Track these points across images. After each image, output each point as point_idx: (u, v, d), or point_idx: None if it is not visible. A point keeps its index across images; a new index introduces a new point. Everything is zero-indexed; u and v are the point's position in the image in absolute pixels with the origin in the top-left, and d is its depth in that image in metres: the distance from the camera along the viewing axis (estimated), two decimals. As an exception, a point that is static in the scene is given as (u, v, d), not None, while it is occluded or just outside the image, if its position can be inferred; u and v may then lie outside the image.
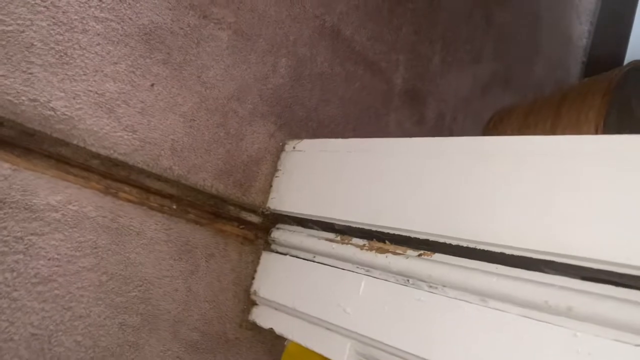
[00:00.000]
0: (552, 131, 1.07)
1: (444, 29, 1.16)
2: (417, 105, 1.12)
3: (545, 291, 0.52)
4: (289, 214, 0.86)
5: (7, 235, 0.66)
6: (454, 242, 0.60)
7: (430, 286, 0.63)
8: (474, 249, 0.58)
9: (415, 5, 1.09)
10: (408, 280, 0.65)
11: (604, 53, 1.51)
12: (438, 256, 0.64)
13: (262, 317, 0.85)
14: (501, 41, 1.31)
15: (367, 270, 0.71)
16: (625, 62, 1.50)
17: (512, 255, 0.55)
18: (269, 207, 0.89)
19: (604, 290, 0.49)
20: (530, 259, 0.53)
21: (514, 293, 0.54)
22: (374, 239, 0.73)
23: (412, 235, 0.66)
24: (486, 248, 0.57)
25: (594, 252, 0.48)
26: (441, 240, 0.62)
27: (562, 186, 0.52)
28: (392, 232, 0.68)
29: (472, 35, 1.24)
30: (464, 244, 0.59)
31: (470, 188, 0.59)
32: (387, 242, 0.71)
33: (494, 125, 1.21)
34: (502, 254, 0.56)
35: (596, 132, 0.98)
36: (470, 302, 0.58)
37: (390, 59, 1.06)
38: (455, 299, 0.59)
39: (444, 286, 0.61)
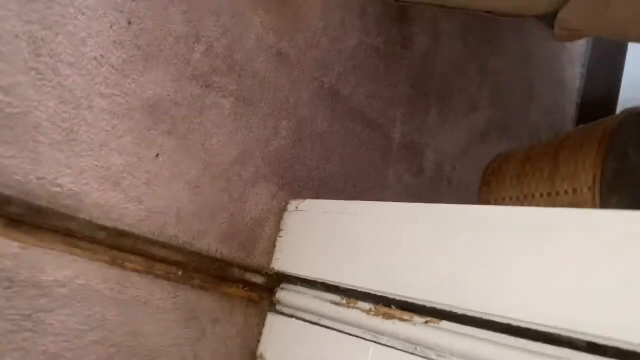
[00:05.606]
0: (551, 180, 1.09)
1: (440, 82, 1.19)
2: (415, 157, 1.14)
3: (553, 365, 0.52)
4: (293, 275, 0.86)
5: (16, 314, 0.66)
6: (460, 312, 0.61)
7: (439, 355, 0.63)
8: (480, 319, 0.59)
9: (411, 61, 1.12)
10: (416, 348, 0.66)
11: (598, 94, 1.54)
12: (445, 324, 0.64)
13: (270, 381, 0.85)
14: (497, 89, 1.34)
15: (374, 336, 0.71)
16: (619, 102, 1.53)
17: (519, 327, 0.55)
18: (273, 268, 0.89)
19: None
20: (536, 331, 0.54)
21: (522, 366, 0.54)
22: (380, 304, 0.73)
23: (418, 302, 0.66)
24: (492, 319, 0.58)
25: (597, 328, 0.49)
26: (447, 309, 0.62)
27: (566, 261, 0.53)
28: (397, 298, 0.69)
29: (467, 85, 1.26)
30: (470, 314, 0.60)
31: (475, 260, 0.60)
32: (392, 307, 0.71)
33: (493, 173, 1.23)
34: (508, 325, 0.56)
35: (594, 182, 1.00)
36: (479, 374, 0.58)
37: (388, 115, 1.08)
38: (464, 369, 0.60)
39: (452, 355, 0.62)
